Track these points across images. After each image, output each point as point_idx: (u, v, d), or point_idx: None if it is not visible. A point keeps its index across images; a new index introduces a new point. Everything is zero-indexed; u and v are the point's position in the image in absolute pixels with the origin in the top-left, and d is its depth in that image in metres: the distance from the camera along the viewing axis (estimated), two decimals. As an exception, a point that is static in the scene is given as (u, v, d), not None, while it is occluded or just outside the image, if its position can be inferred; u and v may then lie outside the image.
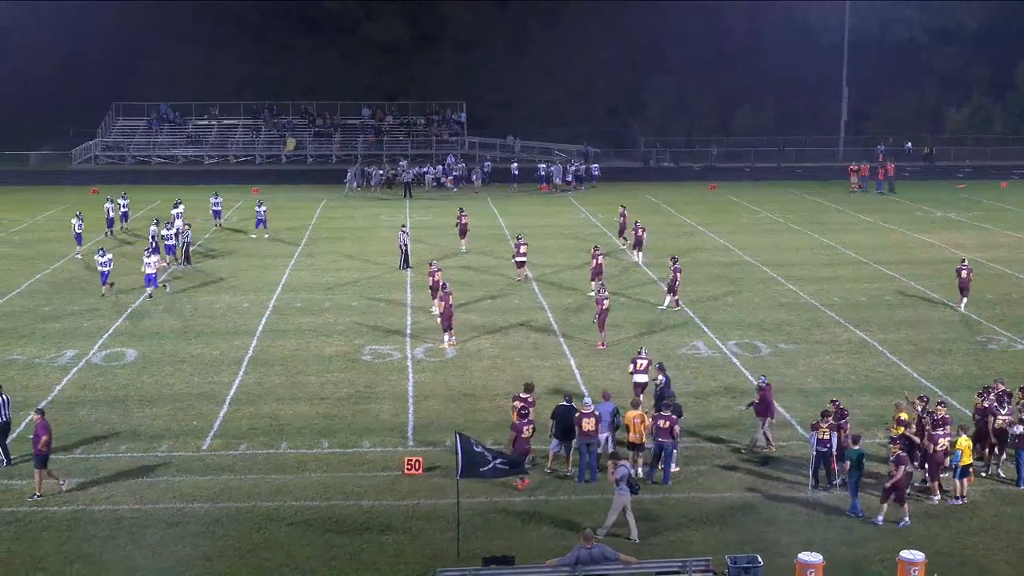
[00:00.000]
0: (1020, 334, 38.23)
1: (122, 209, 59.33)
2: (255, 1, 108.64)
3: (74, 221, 53.16)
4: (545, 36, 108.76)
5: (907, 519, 23.46)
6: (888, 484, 23.50)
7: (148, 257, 43.52)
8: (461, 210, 55.85)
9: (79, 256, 51.28)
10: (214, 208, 61.58)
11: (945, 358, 35.52)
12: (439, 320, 37.32)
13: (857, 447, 24.31)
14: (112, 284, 43.69)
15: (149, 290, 43.20)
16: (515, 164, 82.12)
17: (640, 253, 51.04)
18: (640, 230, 51.43)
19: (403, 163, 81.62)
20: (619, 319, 39.82)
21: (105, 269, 43.43)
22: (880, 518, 23.52)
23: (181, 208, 57.32)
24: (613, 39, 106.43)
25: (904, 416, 25.52)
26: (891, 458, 23.82)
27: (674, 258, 43.08)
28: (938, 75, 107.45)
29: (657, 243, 54.28)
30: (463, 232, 54.01)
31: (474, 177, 79.83)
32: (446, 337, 36.78)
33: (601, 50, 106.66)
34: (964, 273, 42.41)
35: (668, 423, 25.83)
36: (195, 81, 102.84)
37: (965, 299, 42.30)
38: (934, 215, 66.40)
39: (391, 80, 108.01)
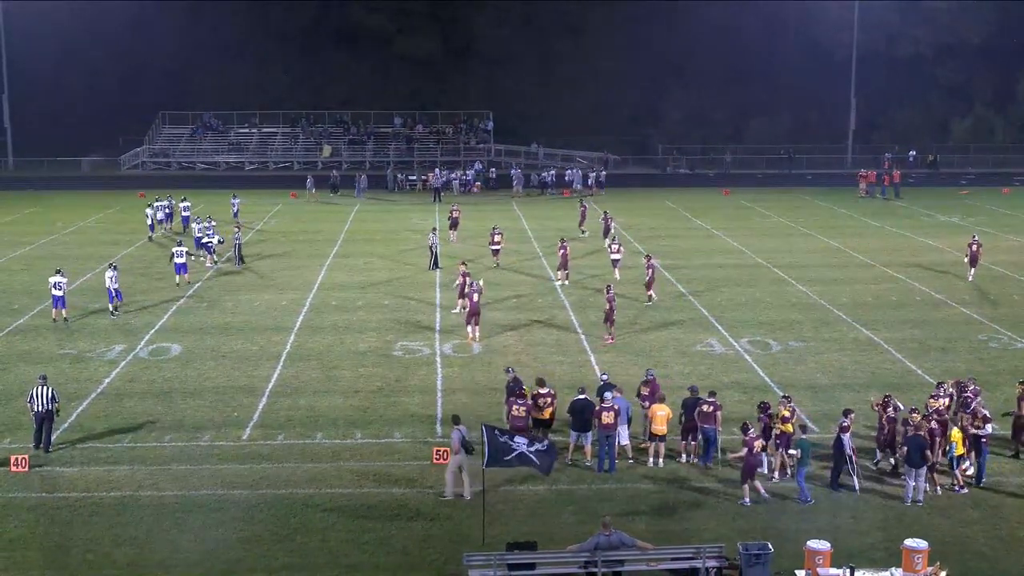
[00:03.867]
0: (1020, 333, 37.98)
1: (166, 211, 59.64)
2: (297, 18, 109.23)
3: (195, 226, 52.16)
4: (570, 50, 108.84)
5: (747, 499, 23.73)
6: (742, 468, 23.99)
7: (112, 271, 40.59)
8: (454, 206, 60.94)
9: (205, 263, 50.19)
10: (234, 208, 63.19)
11: (948, 356, 35.31)
12: (459, 310, 37.82)
13: (804, 437, 24.37)
14: (116, 308, 40.22)
15: (111, 305, 40.21)
16: (517, 171, 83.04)
17: (608, 239, 53.69)
18: (609, 220, 55.38)
19: (437, 171, 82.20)
20: (633, 317, 39.83)
21: (113, 286, 40.10)
22: (746, 500, 23.78)
23: (188, 203, 60.39)
24: (635, 53, 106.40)
25: (786, 414, 25.26)
26: (747, 439, 24.11)
27: (648, 256, 44.05)
28: (943, 87, 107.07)
29: (674, 246, 54.95)
30: (454, 225, 57.49)
31: (514, 183, 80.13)
32: (473, 331, 37.00)
33: (623, 63, 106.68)
34: (974, 247, 46.70)
35: (712, 408, 25.89)
36: (239, 92, 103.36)
37: (974, 270, 46.39)
38: (938, 220, 66.06)
39: (424, 91, 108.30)
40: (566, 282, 45.62)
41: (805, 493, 23.96)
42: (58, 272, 39.80)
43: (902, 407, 26.06)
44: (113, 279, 40.43)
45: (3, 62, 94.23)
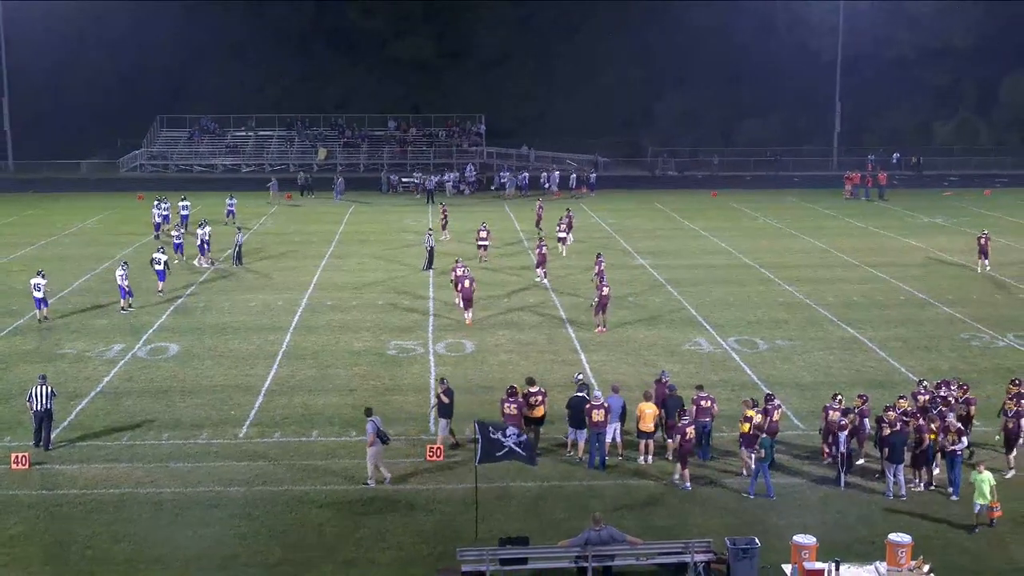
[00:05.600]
0: (1001, 332, 38.13)
1: (164, 212, 59.51)
2: (293, 22, 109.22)
3: (201, 232, 50.80)
4: (563, 54, 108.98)
5: (677, 477, 24.86)
6: (675, 451, 25.09)
7: (122, 269, 41.00)
8: (443, 205, 62.75)
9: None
10: (229, 208, 63.94)
11: (932, 354, 35.44)
12: (458, 303, 39.80)
13: (765, 435, 24.68)
14: (129, 305, 41.00)
15: (128, 301, 40.68)
16: (508, 173, 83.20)
17: (570, 235, 55.78)
18: (569, 216, 56.84)
19: (419, 173, 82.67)
20: (623, 316, 39.91)
21: (124, 283, 40.51)
22: (676, 477, 24.88)
23: (187, 202, 61.09)
24: (628, 57, 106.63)
25: (750, 414, 25.45)
26: (678, 426, 24.96)
27: (599, 254, 45.00)
28: (928, 90, 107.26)
29: (662, 246, 55.36)
30: (445, 225, 58.51)
31: (507, 185, 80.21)
32: (467, 314, 38.89)
33: (616, 67, 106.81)
34: (983, 240, 49.05)
35: (709, 402, 26.31)
36: (236, 95, 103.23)
37: (985, 261, 48.82)
38: (922, 221, 66.20)
39: (419, 94, 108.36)
40: (546, 280, 46.22)
41: (752, 489, 24.17)
42: (39, 274, 39.55)
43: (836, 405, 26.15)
44: (123, 276, 40.65)
45: (3, 66, 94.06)
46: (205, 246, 50.08)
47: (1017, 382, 27.18)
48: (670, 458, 26.22)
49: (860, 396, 26.78)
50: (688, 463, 24.82)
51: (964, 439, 24.60)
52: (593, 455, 25.89)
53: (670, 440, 26.37)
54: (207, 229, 51.09)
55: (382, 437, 24.74)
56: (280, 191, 75.68)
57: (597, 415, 25.65)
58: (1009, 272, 48.73)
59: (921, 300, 43.37)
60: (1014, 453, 25.74)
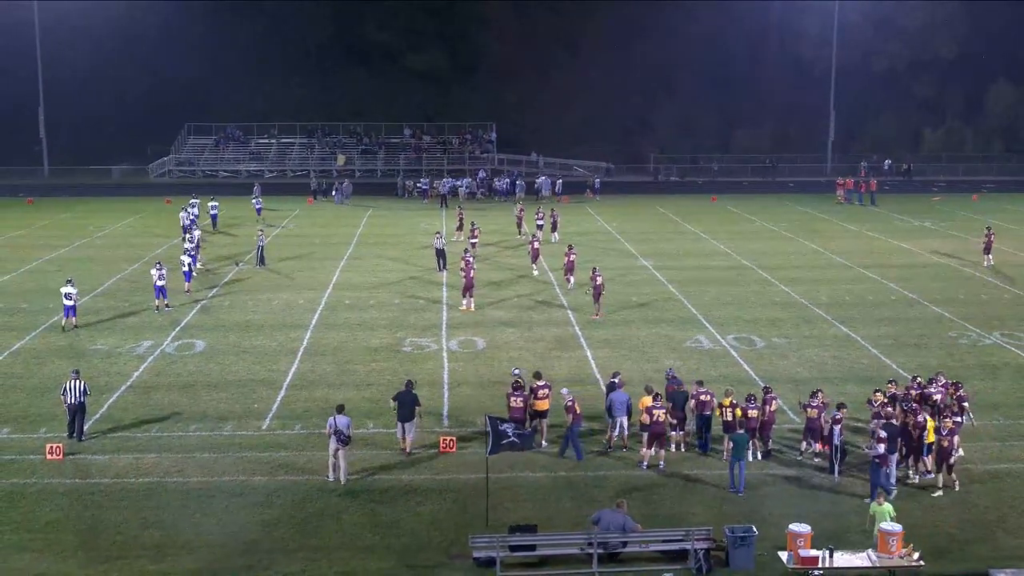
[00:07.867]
0: (987, 331, 37.99)
1: (193, 216, 59.38)
2: (314, 36, 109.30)
3: (192, 238, 50.77)
4: (569, 66, 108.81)
5: (645, 463, 25.11)
6: (647, 435, 25.22)
7: (156, 269, 40.95)
8: (460, 209, 63.14)
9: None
10: (256, 207, 65.72)
11: (921, 351, 35.32)
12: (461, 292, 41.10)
13: (742, 432, 24.49)
14: (166, 305, 40.87)
15: (164, 302, 40.80)
16: (512, 179, 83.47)
17: (555, 234, 57.26)
18: (555, 216, 58.90)
19: (422, 180, 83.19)
20: (627, 315, 39.86)
21: (162, 283, 40.62)
22: (644, 463, 25.13)
23: (216, 203, 62.68)
24: (628, 68, 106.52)
25: (724, 402, 25.62)
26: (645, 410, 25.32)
27: (570, 246, 46.82)
28: (917, 100, 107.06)
29: (664, 248, 55.27)
30: (460, 226, 58.60)
31: (517, 190, 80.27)
32: (465, 301, 40.31)
33: (618, 78, 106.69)
34: (990, 237, 50.14)
35: (709, 396, 26.33)
36: (260, 105, 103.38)
37: (990, 256, 49.93)
38: (911, 224, 66.00)
39: (431, 103, 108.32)
40: (535, 272, 47.83)
41: (732, 483, 23.99)
42: (68, 282, 39.03)
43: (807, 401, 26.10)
44: (159, 276, 40.64)
45: (39, 77, 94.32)
46: (197, 238, 50.45)
47: (959, 385, 26.83)
48: (672, 449, 26.20)
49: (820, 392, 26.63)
50: (663, 444, 25.23)
51: (881, 447, 23.32)
52: (564, 446, 25.99)
53: (673, 432, 26.36)
54: (197, 233, 51.65)
55: (339, 435, 24.22)
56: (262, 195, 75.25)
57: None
58: (995, 273, 48.55)
59: (911, 299, 43.24)
60: (944, 470, 24.16)
